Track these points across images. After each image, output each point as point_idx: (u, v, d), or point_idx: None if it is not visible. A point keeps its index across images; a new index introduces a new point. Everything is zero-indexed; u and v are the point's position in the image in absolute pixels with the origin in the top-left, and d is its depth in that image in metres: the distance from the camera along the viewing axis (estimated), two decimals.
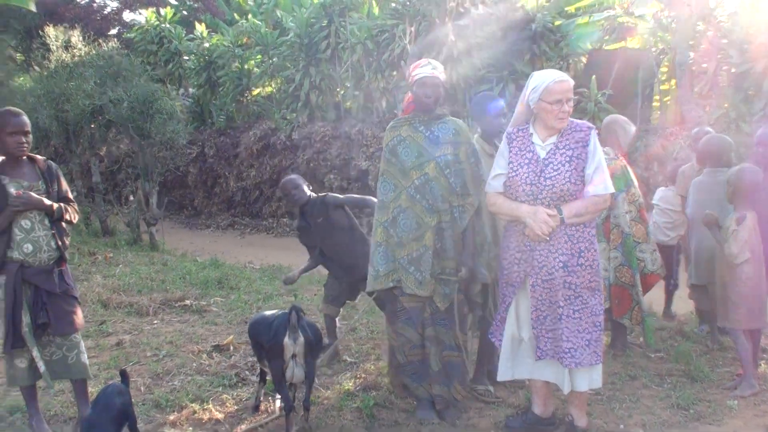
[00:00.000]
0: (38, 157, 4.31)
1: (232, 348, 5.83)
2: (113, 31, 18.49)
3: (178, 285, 8.12)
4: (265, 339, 4.19)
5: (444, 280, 4.38)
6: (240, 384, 5.11)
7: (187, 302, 7.30)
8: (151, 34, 16.69)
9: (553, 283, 3.95)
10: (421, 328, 4.43)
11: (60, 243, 4.24)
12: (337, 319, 5.71)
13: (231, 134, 15.30)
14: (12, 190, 4.06)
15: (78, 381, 4.40)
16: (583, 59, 11.63)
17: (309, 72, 13.90)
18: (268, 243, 12.76)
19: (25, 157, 4.23)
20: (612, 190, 4.02)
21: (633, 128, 5.51)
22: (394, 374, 4.67)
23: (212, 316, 6.91)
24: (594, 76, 11.06)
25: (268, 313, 4.52)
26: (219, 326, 6.58)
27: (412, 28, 12.09)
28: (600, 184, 3.93)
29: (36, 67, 12.81)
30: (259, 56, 15.17)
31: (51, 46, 12.37)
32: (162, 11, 17.18)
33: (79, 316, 4.37)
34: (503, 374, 4.23)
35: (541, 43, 11.48)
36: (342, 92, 13.96)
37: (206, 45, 16.05)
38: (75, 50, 12.26)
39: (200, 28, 16.69)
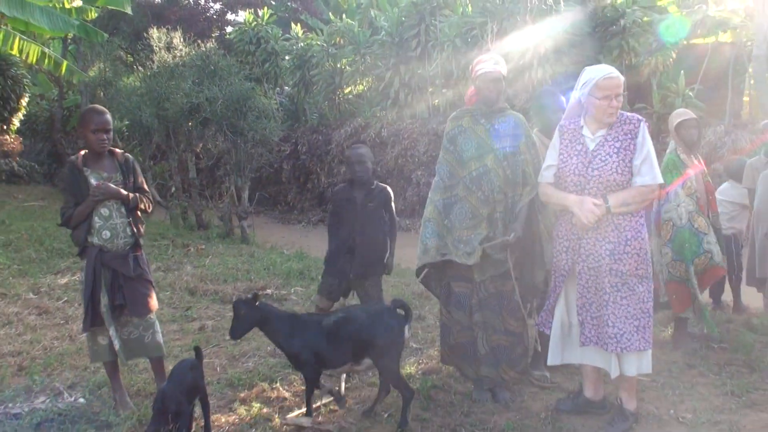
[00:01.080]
0: (117, 150, 4.62)
1: None
2: (215, 33, 19.13)
3: (261, 275, 8.44)
4: (380, 334, 4.23)
5: (493, 249, 4.46)
6: None
7: (269, 291, 7.62)
8: (249, 35, 17.26)
9: (599, 270, 4.02)
10: (470, 313, 4.54)
11: (135, 230, 4.54)
12: None
13: (323, 131, 15.68)
14: (92, 181, 4.38)
15: (155, 359, 4.70)
16: (673, 54, 11.35)
17: (399, 70, 14.10)
18: None
19: (106, 151, 4.55)
20: (660, 180, 4.05)
21: (683, 119, 5.35)
22: (447, 354, 4.79)
23: (291, 305, 7.18)
24: (682, 72, 10.80)
25: (319, 317, 4.44)
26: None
27: (494, 26, 12.09)
28: (647, 174, 3.97)
29: (140, 68, 13.43)
30: (351, 56, 15.46)
31: (154, 47, 12.97)
32: (260, 12, 17.71)
33: (153, 299, 4.65)
34: (553, 359, 4.33)
35: (629, 38, 11.30)
36: (431, 90, 14.07)
37: (301, 45, 16.48)
38: (176, 51, 12.82)
39: (296, 29, 17.13)
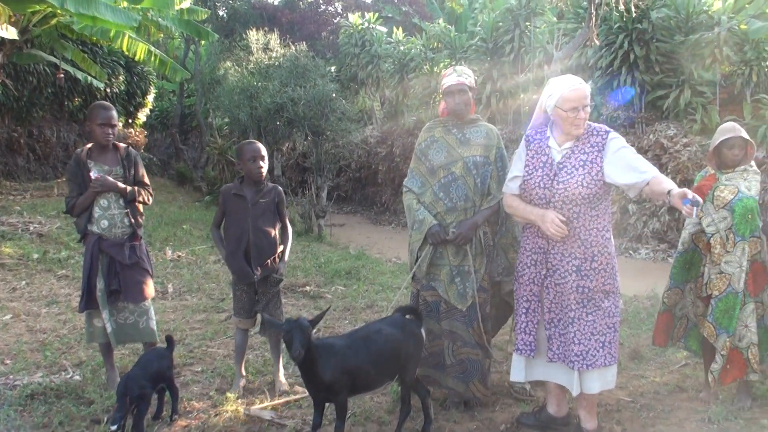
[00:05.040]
0: (121, 144, 4.95)
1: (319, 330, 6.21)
2: (326, 35, 19.69)
3: (309, 272, 8.70)
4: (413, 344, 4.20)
5: (462, 275, 4.46)
6: None
7: (308, 288, 7.84)
8: (355, 38, 17.65)
9: (565, 286, 3.95)
10: (439, 321, 4.54)
11: (133, 221, 4.85)
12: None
13: (417, 134, 15.77)
14: (92, 174, 4.73)
15: (147, 344, 4.99)
16: None
17: (492, 75, 14.04)
18: None
19: (110, 145, 4.89)
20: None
21: (724, 137, 4.47)
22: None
23: (323, 302, 7.37)
24: None
25: (332, 339, 4.16)
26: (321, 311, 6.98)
27: (560, 33, 11.84)
28: (647, 169, 3.81)
29: (237, 67, 14.06)
30: (447, 60, 15.52)
31: (252, 48, 13.56)
32: (367, 15, 18.06)
33: (149, 287, 4.94)
34: (516, 375, 4.25)
35: (724, 47, 10.77)
36: (522, 96, 13.92)
37: (402, 48, 16.69)
38: (271, 52, 13.36)
39: (397, 33, 17.37)
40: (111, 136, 4.83)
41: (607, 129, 4.02)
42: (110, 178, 4.74)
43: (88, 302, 4.79)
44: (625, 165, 3.87)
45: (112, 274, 4.79)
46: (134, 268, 4.85)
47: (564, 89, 3.92)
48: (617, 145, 3.94)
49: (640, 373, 5.29)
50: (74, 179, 4.79)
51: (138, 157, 5.02)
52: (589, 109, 3.96)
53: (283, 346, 4.23)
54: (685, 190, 3.54)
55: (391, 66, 16.79)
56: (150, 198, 5.00)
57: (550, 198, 3.94)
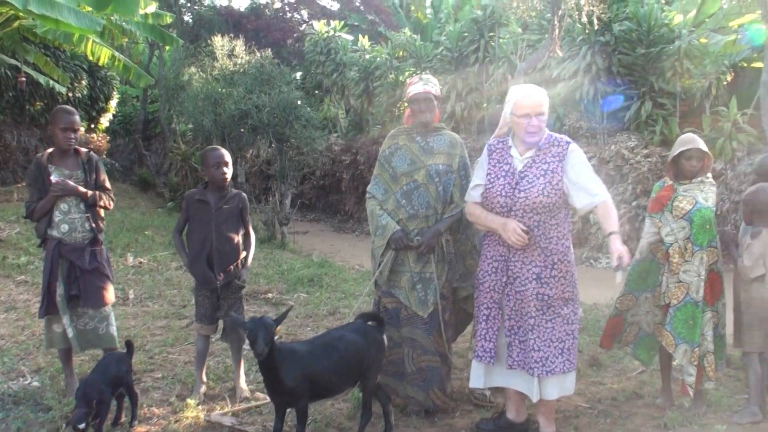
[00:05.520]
0: (82, 149, 4.91)
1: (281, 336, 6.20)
2: (291, 43, 19.67)
3: (272, 279, 8.69)
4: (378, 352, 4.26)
5: (423, 282, 4.49)
6: None
7: (270, 295, 7.82)
8: (320, 46, 17.66)
9: (525, 294, 4.01)
10: (399, 328, 4.56)
11: (94, 225, 4.81)
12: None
13: (382, 142, 15.81)
14: (53, 178, 4.68)
15: (107, 350, 4.93)
16: (728, 77, 10.95)
17: (456, 85, 14.14)
18: None
19: (72, 150, 4.85)
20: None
21: (683, 149, 4.50)
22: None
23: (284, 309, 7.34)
24: (734, 95, 10.43)
25: (297, 344, 4.18)
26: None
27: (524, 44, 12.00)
28: (599, 191, 3.99)
29: (202, 73, 13.99)
30: (413, 69, 15.60)
31: (217, 54, 13.50)
32: (332, 23, 18.10)
33: (109, 292, 4.89)
34: (475, 381, 4.31)
35: (684, 60, 10.99)
36: (486, 106, 14.03)
37: (367, 57, 16.74)
38: (236, 59, 13.31)
39: (363, 41, 17.42)
40: (73, 140, 4.81)
41: (568, 140, 4.11)
42: (71, 183, 4.71)
43: (48, 308, 4.74)
44: (578, 185, 3.98)
45: (72, 279, 4.75)
46: (94, 273, 4.81)
47: (519, 96, 4.01)
48: (576, 158, 4.03)
49: (599, 379, 5.37)
50: (35, 184, 4.75)
51: (99, 161, 4.99)
52: (544, 118, 4.02)
53: (247, 347, 4.23)
54: (621, 252, 3.74)
55: (357, 74, 16.82)
56: (111, 203, 4.97)
57: (511, 206, 4.00)
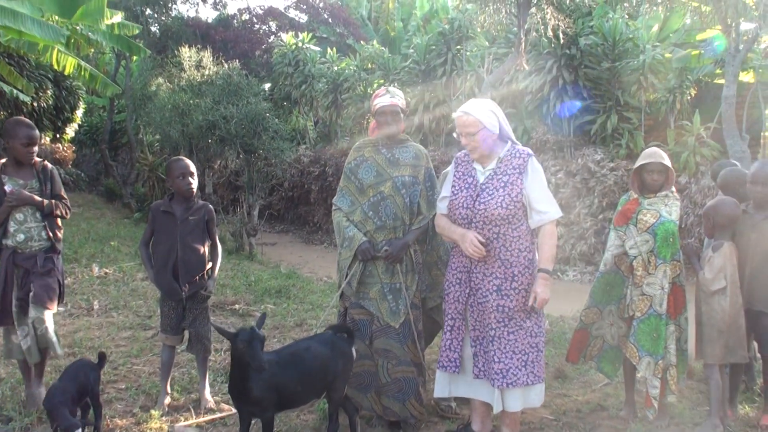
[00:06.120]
0: (37, 159, 4.83)
1: None
2: (259, 54, 19.59)
3: (239, 290, 8.61)
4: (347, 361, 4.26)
5: (393, 292, 4.47)
6: None
7: (237, 306, 7.74)
8: (288, 57, 17.63)
9: (486, 305, 4.01)
10: (370, 340, 4.52)
11: (51, 234, 4.73)
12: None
13: None
14: (7, 188, 4.60)
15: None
16: (692, 92, 11.11)
17: (423, 97, 14.19)
18: None
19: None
20: (559, 214, 4.09)
21: (644, 162, 4.55)
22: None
23: (252, 321, 7.26)
24: (698, 110, 10.58)
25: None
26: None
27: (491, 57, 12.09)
28: (550, 208, 4.05)
29: (169, 84, 13.89)
30: (381, 80, 15.63)
31: (184, 65, 13.41)
32: (300, 35, 18.08)
33: (55, 298, 4.73)
34: (439, 391, 4.29)
35: (649, 74, 11.13)
36: (453, 118, 14.06)
37: (335, 68, 16.75)
38: (204, 70, 13.24)
39: (331, 53, 17.43)
40: (32, 154, 4.76)
41: (530, 152, 4.13)
42: (26, 192, 4.64)
43: (3, 318, 4.64)
44: (532, 200, 4.02)
45: (27, 286, 4.64)
46: (48, 274, 4.71)
47: (456, 114, 4.08)
48: (534, 174, 4.06)
49: (564, 391, 5.37)
50: None
51: (54, 171, 4.92)
52: (479, 137, 4.03)
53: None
54: (537, 293, 3.94)
55: (325, 86, 16.82)
56: (68, 212, 4.90)
57: (472, 218, 4.02)
